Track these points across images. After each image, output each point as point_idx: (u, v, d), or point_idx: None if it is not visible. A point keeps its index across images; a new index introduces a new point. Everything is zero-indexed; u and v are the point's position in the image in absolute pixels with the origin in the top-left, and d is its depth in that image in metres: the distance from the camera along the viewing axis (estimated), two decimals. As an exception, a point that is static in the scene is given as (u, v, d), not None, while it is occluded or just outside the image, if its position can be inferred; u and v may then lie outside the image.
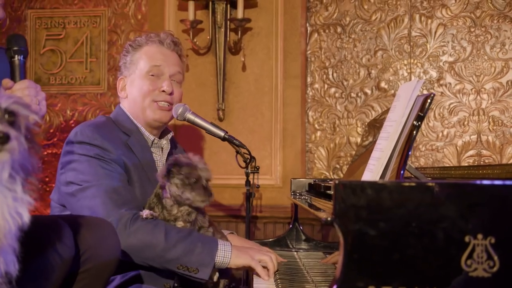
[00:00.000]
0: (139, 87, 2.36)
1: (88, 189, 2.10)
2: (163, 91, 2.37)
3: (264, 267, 2.03)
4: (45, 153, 3.82)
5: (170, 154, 2.46)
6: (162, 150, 2.44)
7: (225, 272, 2.16)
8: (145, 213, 2.05)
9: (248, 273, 2.17)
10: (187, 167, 2.06)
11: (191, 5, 3.42)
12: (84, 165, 2.14)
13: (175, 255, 1.99)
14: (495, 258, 1.20)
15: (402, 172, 1.55)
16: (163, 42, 2.42)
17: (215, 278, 2.10)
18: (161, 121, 2.39)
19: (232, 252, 2.03)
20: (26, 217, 1.28)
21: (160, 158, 2.41)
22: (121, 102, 2.46)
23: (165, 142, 2.45)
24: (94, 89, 3.82)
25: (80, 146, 2.17)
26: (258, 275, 2.01)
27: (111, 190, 2.08)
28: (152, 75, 2.36)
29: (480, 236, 1.20)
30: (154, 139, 2.39)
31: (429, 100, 1.59)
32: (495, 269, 1.20)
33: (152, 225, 2.02)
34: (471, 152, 3.45)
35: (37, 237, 1.34)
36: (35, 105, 1.80)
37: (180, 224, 2.11)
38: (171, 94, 2.38)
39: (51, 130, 3.84)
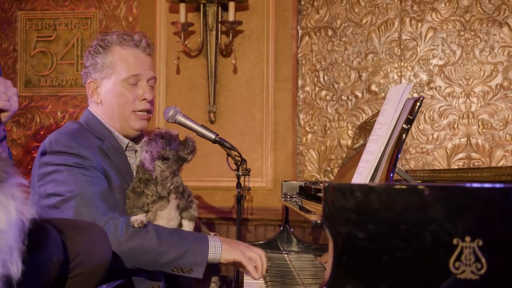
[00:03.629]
0: (117, 95, 2.28)
1: (72, 199, 2.04)
2: (144, 99, 2.30)
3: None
4: (35, 155, 3.80)
5: None
6: (135, 153, 2.37)
7: (215, 269, 2.17)
8: (137, 221, 2.03)
9: (238, 273, 2.18)
10: (162, 139, 2.13)
11: (182, 8, 3.42)
12: (64, 174, 2.08)
13: (169, 258, 2.00)
14: (483, 260, 1.20)
15: (391, 175, 1.55)
16: (138, 46, 2.31)
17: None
18: (141, 130, 2.34)
19: (222, 247, 2.04)
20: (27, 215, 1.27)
21: (134, 161, 2.34)
22: (90, 106, 2.36)
23: (138, 145, 2.39)
24: (85, 91, 3.80)
25: (57, 157, 2.10)
26: (248, 272, 2.03)
27: (96, 197, 2.04)
28: (130, 84, 2.28)
29: (468, 238, 1.21)
30: (129, 142, 2.33)
31: (418, 103, 1.60)
32: (482, 271, 1.21)
33: (144, 231, 2.01)
34: (460, 155, 3.47)
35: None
36: (4, 102, 1.74)
37: (172, 196, 2.13)
38: (150, 101, 2.33)
39: (42, 132, 3.83)
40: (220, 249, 2.03)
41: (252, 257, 2.05)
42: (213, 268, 2.16)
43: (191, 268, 2.00)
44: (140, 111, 2.31)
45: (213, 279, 2.20)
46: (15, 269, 1.25)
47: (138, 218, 2.04)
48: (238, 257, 2.04)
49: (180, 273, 2.01)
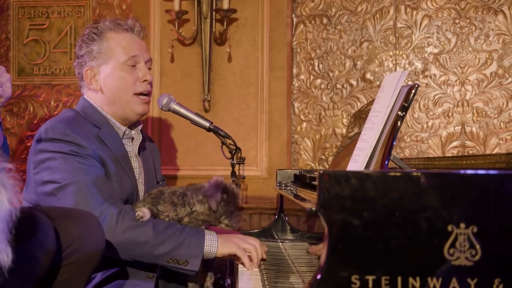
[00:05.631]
0: (118, 79, 2.29)
1: (68, 187, 2.04)
2: (145, 80, 2.31)
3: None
4: (29, 144, 3.78)
5: (141, 146, 2.42)
6: (132, 141, 2.38)
7: (210, 265, 2.17)
8: (140, 215, 2.03)
9: (233, 263, 2.18)
10: (232, 196, 2.12)
11: (176, -5, 3.39)
12: (60, 162, 2.07)
13: (165, 250, 1.99)
14: (477, 247, 1.21)
15: (386, 162, 1.55)
16: (133, 30, 2.34)
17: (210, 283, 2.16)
18: (144, 113, 2.35)
19: (218, 241, 2.03)
20: (16, 204, 1.27)
21: (131, 149, 2.35)
22: (85, 93, 2.36)
23: (135, 133, 2.39)
24: (78, 80, 3.78)
25: (52, 144, 2.10)
26: (243, 264, 2.02)
27: (91, 186, 2.04)
28: (129, 66, 2.29)
29: (462, 225, 1.21)
30: (126, 130, 2.33)
31: (413, 91, 1.60)
32: (477, 257, 1.21)
33: (139, 222, 2.01)
34: (455, 143, 3.48)
35: (17, 229, 1.32)
36: None
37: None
38: (150, 82, 2.35)
39: (35, 121, 3.81)
40: (216, 242, 2.03)
41: (247, 249, 2.04)
42: (208, 263, 2.15)
43: (187, 260, 2.00)
44: (142, 93, 2.32)
45: (208, 275, 2.20)
46: (5, 257, 1.25)
47: (145, 211, 2.03)
48: (232, 250, 2.04)
49: (175, 265, 2.00)
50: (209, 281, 2.19)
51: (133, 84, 2.30)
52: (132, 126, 2.40)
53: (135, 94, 2.31)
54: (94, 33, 2.31)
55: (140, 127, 2.42)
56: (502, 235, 1.22)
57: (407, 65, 3.53)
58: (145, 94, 2.34)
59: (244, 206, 3.48)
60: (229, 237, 2.10)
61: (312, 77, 3.63)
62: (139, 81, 2.31)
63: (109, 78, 2.30)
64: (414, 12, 3.53)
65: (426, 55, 3.52)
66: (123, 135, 2.32)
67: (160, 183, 2.52)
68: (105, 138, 2.23)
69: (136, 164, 2.34)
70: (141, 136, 2.41)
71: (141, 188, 2.35)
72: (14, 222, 1.27)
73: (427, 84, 3.51)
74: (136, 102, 2.31)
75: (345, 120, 3.58)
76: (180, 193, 2.11)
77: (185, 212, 2.08)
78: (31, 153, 2.17)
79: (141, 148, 2.43)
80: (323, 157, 3.61)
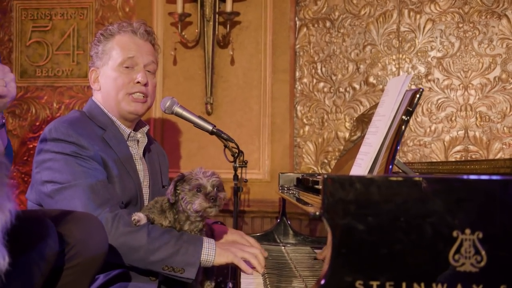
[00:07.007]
0: (113, 80, 2.29)
1: (66, 190, 2.03)
2: (138, 82, 2.29)
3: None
4: (31, 146, 3.78)
5: (147, 148, 2.41)
6: (137, 143, 2.37)
7: (209, 272, 2.15)
8: (137, 216, 2.01)
9: (236, 268, 2.16)
10: (188, 180, 2.02)
11: (179, -2, 3.39)
12: (60, 163, 2.07)
13: (160, 257, 1.97)
14: (483, 253, 1.20)
15: (390, 166, 1.54)
16: (136, 32, 2.34)
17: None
18: (136, 113, 2.32)
19: (215, 250, 2.01)
20: (13, 210, 1.27)
21: (136, 152, 2.35)
22: (93, 95, 2.37)
23: (140, 135, 2.39)
24: (81, 82, 3.79)
25: (55, 144, 2.10)
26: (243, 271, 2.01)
27: (89, 190, 2.03)
28: (126, 67, 2.29)
29: (468, 231, 1.20)
30: (130, 132, 2.33)
31: (418, 95, 1.59)
32: (482, 264, 1.20)
33: (135, 228, 1.99)
34: (458, 148, 3.47)
35: (20, 232, 1.32)
36: (1, 87, 1.71)
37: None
38: (145, 85, 2.32)
39: (37, 123, 3.81)
40: (214, 251, 2.01)
41: (245, 257, 2.02)
42: (208, 270, 2.14)
43: (183, 268, 1.97)
44: (134, 93, 2.30)
45: (207, 283, 2.18)
46: (1, 260, 1.25)
47: (142, 215, 2.01)
48: (229, 260, 2.02)
49: (171, 272, 1.98)
50: (209, 286, 2.18)
51: (126, 85, 2.30)
52: (137, 128, 2.39)
53: (127, 94, 2.30)
54: (102, 35, 2.34)
55: (146, 129, 2.41)
56: (508, 241, 1.21)
57: (410, 69, 3.52)
58: (139, 95, 2.32)
59: (246, 210, 3.48)
60: (228, 246, 2.08)
61: (315, 80, 3.62)
62: (133, 82, 2.30)
63: (106, 78, 2.31)
64: (418, 16, 3.52)
65: (429, 59, 3.51)
66: (128, 137, 2.32)
67: (166, 187, 2.51)
68: (110, 140, 2.23)
69: (140, 166, 2.33)
70: (147, 139, 2.40)
71: (145, 191, 2.34)
72: (8, 229, 1.27)
73: (430, 88, 3.50)
74: (127, 101, 2.30)
75: (348, 124, 3.57)
76: (168, 199, 2.09)
77: (173, 216, 2.06)
78: (36, 152, 2.18)
79: (147, 151, 2.42)
80: (326, 160, 3.60)
